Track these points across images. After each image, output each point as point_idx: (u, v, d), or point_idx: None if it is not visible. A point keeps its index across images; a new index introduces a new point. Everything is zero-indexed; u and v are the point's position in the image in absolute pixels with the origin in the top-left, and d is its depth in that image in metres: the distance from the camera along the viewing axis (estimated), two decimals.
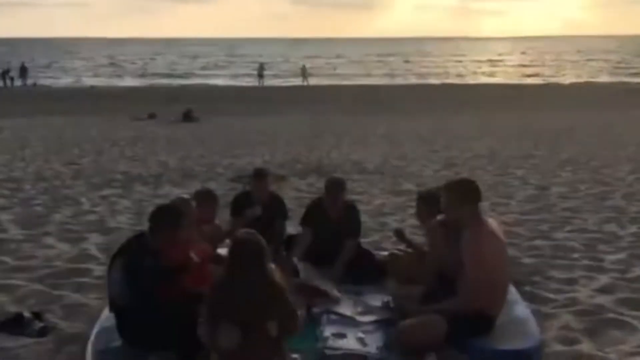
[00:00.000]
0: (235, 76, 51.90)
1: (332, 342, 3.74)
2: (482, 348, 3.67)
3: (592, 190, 9.38)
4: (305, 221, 5.19)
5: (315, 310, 4.16)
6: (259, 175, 5.34)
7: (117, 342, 3.70)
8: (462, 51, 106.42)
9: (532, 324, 3.99)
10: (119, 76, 52.84)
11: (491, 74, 54.51)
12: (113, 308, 3.72)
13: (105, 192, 9.24)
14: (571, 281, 5.14)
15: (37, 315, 4.25)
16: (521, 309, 4.19)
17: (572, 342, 4.00)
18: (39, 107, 27.42)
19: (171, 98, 31.47)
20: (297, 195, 8.95)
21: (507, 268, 3.97)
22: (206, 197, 4.98)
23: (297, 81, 42.86)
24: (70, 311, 4.47)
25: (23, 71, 42.16)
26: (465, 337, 3.69)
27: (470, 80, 47.85)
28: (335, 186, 5.10)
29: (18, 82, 41.00)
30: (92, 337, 3.84)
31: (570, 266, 5.55)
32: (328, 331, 3.88)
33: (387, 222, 7.32)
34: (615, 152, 13.80)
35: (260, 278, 3.20)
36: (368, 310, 4.26)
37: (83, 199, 8.66)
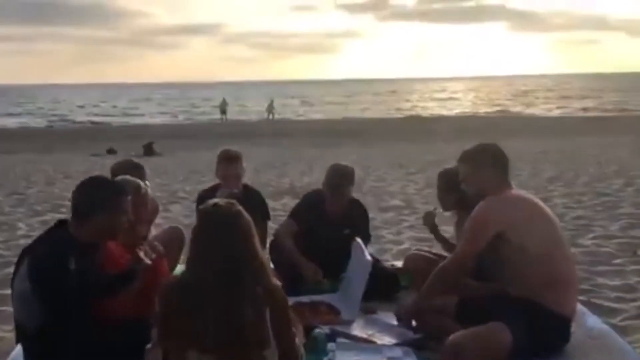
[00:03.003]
0: (197, 114, 50.68)
1: None
2: None
3: (595, 200, 8.55)
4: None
5: (318, 331, 3.01)
6: (228, 157, 4.00)
7: None
8: (422, 89, 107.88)
9: (618, 339, 2.94)
10: (75, 116, 50.87)
11: (452, 108, 54.68)
12: (20, 337, 2.49)
13: (48, 217, 7.96)
14: (630, 288, 4.14)
15: None
16: (593, 319, 3.14)
17: None
18: None
19: (132, 135, 30.07)
20: (272, 214, 7.89)
21: (568, 249, 2.98)
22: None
23: (262, 117, 41.92)
24: None
25: None
26: (538, 349, 2.62)
27: (434, 113, 47.82)
28: (341, 179, 3.89)
29: None
30: None
31: (619, 272, 4.58)
32: None
33: (382, 234, 6.34)
34: (600, 169, 13.19)
35: (247, 277, 2.06)
36: (385, 331, 3.14)
37: (20, 224, 7.44)
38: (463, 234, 2.96)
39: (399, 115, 45.17)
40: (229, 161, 3.98)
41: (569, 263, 2.92)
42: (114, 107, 65.19)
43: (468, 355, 2.56)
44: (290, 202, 9.15)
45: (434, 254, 3.77)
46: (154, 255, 2.62)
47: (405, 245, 5.38)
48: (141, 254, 2.58)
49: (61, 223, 2.59)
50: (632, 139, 21.56)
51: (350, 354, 2.82)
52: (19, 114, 55.25)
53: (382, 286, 3.78)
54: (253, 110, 51.71)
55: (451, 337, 2.65)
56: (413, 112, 48.05)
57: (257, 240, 2.16)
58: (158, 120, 45.25)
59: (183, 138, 29.30)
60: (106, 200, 2.52)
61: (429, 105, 60.38)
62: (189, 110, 58.05)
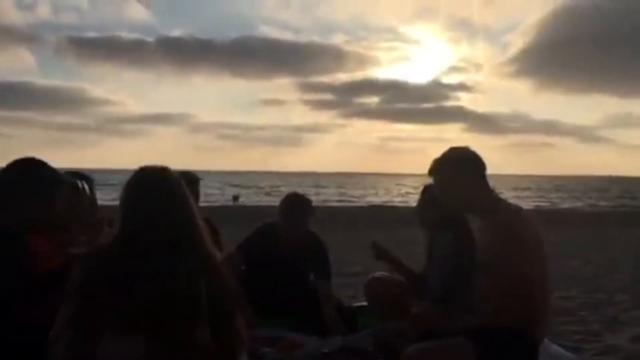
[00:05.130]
0: None
1: None
2: None
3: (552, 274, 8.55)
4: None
5: (265, 350, 2.79)
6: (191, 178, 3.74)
7: None
8: (383, 183, 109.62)
9: None
10: None
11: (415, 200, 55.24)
12: None
13: None
14: (594, 333, 4.03)
15: None
16: (555, 347, 2.99)
17: None
18: None
19: None
20: None
21: (547, 269, 2.73)
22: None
23: (228, 202, 41.75)
24: None
25: None
26: None
27: (395, 204, 48.34)
28: (297, 207, 3.70)
29: None
30: None
31: (582, 321, 4.49)
32: None
33: (343, 291, 6.13)
34: (558, 252, 13.37)
35: (184, 245, 1.86)
36: (340, 346, 2.97)
37: None
38: (491, 259, 2.45)
39: (362, 204, 45.55)
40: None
41: (547, 283, 2.64)
42: None
43: None
44: None
45: (397, 278, 3.61)
46: None
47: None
48: (76, 253, 2.32)
49: None
50: (586, 232, 22.17)
51: None
52: None
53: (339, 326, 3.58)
54: (219, 194, 51.39)
55: (408, 350, 2.45)
56: (375, 203, 48.54)
57: (195, 206, 1.97)
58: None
59: None
60: (34, 185, 2.26)
61: (391, 198, 61.18)
62: None
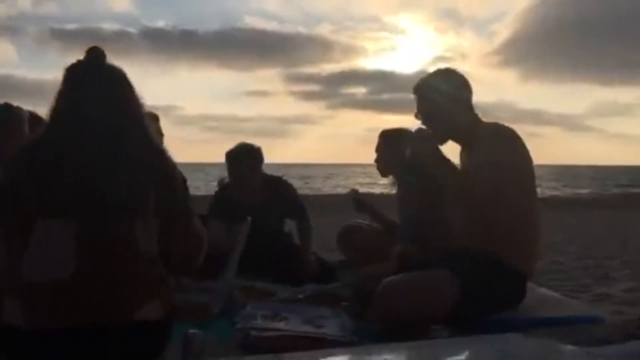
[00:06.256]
0: None
1: (261, 322, 2.15)
2: (519, 319, 2.19)
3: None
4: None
5: (235, 292, 2.57)
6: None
7: None
8: (368, 172, 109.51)
9: (570, 300, 2.63)
10: None
11: None
12: None
13: None
14: (587, 285, 3.85)
15: None
16: (544, 290, 2.77)
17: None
18: None
19: None
20: None
21: (535, 196, 2.42)
22: None
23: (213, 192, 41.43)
24: None
25: None
26: (491, 304, 2.20)
27: (381, 192, 48.27)
28: (240, 157, 3.39)
29: None
30: None
31: (573, 277, 4.30)
32: (256, 312, 2.30)
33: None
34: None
35: (127, 138, 1.61)
36: (315, 293, 2.79)
37: None
38: (482, 184, 2.20)
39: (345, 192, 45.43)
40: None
41: (538, 218, 2.41)
42: None
43: (405, 300, 2.10)
44: None
45: (372, 227, 3.39)
46: None
47: None
48: None
49: None
50: (573, 215, 22.39)
51: (271, 309, 2.36)
52: None
53: (317, 278, 3.35)
54: (202, 188, 50.94)
55: (386, 279, 2.21)
56: (361, 191, 48.46)
57: (140, 101, 1.72)
58: None
59: None
60: None
61: (377, 187, 61.04)
62: None
